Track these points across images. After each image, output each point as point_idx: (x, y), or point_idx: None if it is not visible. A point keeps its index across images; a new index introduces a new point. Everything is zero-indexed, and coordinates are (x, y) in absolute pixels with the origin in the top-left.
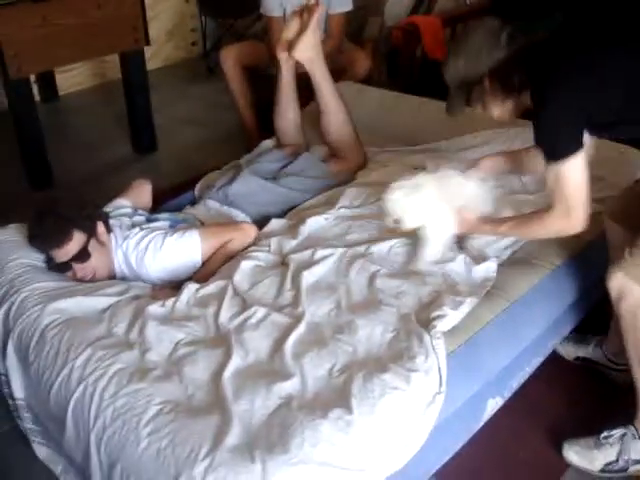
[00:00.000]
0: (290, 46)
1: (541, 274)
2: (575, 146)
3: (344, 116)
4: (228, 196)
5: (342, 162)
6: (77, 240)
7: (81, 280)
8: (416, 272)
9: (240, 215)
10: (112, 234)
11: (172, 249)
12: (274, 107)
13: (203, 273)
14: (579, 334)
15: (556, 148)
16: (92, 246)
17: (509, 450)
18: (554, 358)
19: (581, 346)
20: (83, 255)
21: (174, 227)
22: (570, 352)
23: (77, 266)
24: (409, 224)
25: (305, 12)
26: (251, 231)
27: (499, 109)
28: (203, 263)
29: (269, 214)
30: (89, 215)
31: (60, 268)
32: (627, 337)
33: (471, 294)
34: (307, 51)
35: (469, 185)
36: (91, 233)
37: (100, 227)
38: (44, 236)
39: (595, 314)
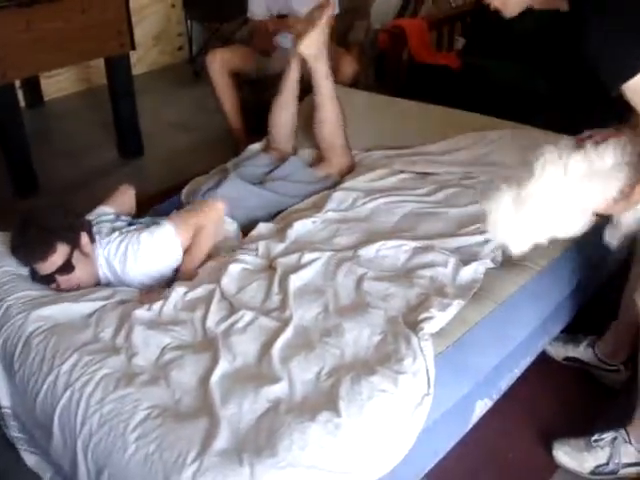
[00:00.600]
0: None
1: (527, 275)
2: None
3: (338, 117)
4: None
5: (329, 166)
6: (60, 252)
7: (66, 291)
8: (403, 274)
9: (227, 220)
10: (95, 243)
11: (150, 243)
12: (273, 105)
13: (187, 267)
14: (569, 334)
15: (622, 65)
16: (76, 258)
17: (499, 451)
18: (543, 358)
19: (571, 346)
20: (67, 267)
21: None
22: (560, 352)
23: (61, 278)
24: (518, 249)
25: (317, 10)
26: (218, 204)
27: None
28: (185, 252)
29: (256, 218)
30: (72, 226)
31: (44, 280)
32: None
33: (458, 296)
34: (312, 47)
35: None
36: (75, 244)
37: (84, 238)
38: (27, 249)
39: (585, 314)
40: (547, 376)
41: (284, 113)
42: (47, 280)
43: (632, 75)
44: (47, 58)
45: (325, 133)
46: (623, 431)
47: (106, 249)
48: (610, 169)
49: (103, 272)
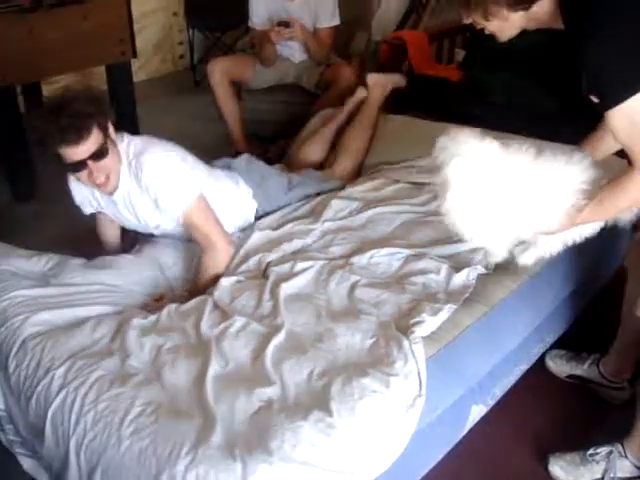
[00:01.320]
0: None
1: (520, 281)
2: None
3: (364, 139)
4: (231, 166)
5: (335, 168)
6: (96, 137)
7: (93, 184)
8: (396, 281)
9: (241, 183)
10: (120, 138)
11: (174, 168)
12: (310, 138)
13: (199, 283)
14: (572, 352)
15: (623, 81)
16: (108, 144)
17: (494, 461)
18: (542, 371)
19: (575, 364)
20: (102, 152)
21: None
22: (563, 370)
23: (93, 165)
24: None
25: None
26: (231, 248)
27: (499, 23)
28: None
29: (267, 192)
30: (104, 111)
31: (75, 168)
32: None
33: (449, 301)
34: (376, 80)
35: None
36: (107, 130)
37: (110, 125)
38: (62, 133)
39: (588, 331)
40: (543, 389)
41: (320, 148)
42: (78, 167)
43: (633, 93)
44: (49, 64)
45: (347, 144)
46: (619, 445)
47: (131, 145)
48: (567, 186)
49: (125, 167)
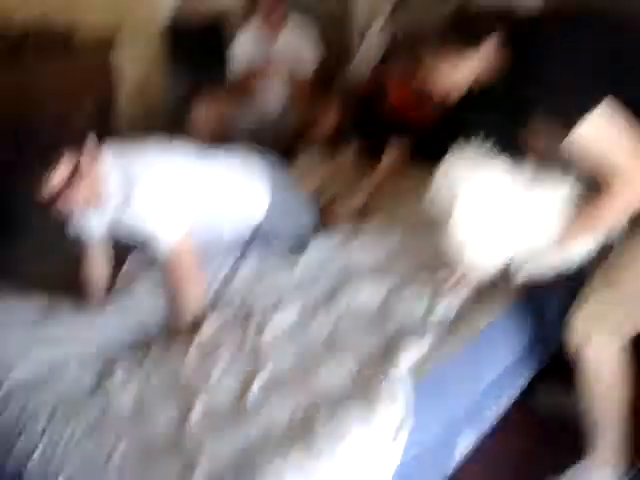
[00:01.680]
0: None
1: (503, 308)
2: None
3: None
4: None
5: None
6: (65, 168)
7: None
8: (379, 314)
9: (257, 191)
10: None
11: (158, 221)
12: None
13: (176, 324)
14: (558, 385)
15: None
16: (82, 170)
17: None
18: (527, 403)
19: (560, 398)
20: (72, 183)
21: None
22: (548, 404)
23: (66, 195)
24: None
25: None
26: (200, 297)
27: (449, 78)
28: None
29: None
30: (79, 138)
31: (49, 200)
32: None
33: (431, 330)
34: None
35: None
36: (79, 158)
37: (87, 150)
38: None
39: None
40: (529, 425)
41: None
42: (52, 199)
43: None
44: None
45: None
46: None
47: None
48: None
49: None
